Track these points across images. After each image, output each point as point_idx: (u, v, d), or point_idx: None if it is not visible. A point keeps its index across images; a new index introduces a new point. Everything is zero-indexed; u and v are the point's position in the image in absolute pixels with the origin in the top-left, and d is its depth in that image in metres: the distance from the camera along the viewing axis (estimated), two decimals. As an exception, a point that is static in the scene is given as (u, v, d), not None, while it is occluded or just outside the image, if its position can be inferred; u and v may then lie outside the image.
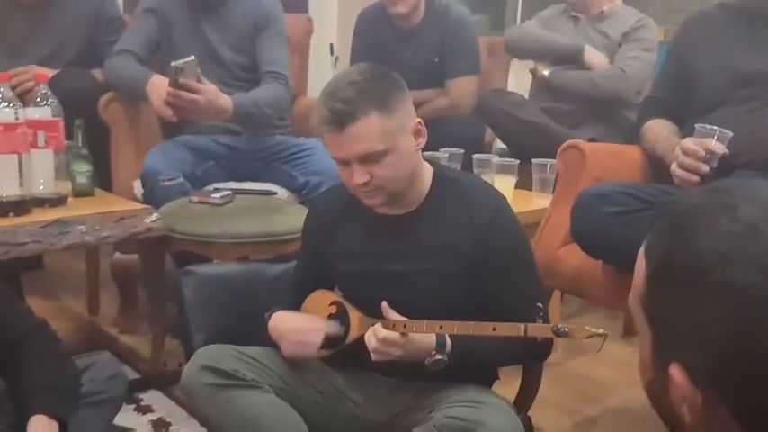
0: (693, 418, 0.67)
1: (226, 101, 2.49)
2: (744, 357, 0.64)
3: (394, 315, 1.52)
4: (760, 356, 0.63)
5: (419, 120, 1.56)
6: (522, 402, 1.89)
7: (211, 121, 2.57)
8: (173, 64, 2.37)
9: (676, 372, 0.66)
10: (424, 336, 1.50)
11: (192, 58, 2.42)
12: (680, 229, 0.69)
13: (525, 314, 1.47)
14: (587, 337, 1.34)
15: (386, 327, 1.50)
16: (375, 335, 1.50)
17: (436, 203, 1.61)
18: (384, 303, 1.52)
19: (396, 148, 1.50)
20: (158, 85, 2.48)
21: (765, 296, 0.63)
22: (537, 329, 1.43)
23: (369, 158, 1.49)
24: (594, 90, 2.97)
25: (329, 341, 1.63)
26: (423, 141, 1.57)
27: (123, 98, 2.69)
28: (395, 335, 1.49)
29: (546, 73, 3.04)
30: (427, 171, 1.63)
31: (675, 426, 0.72)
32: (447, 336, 1.51)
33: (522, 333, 1.41)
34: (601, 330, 1.34)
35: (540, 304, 1.56)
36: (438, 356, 1.49)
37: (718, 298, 0.64)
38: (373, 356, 1.52)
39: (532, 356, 1.68)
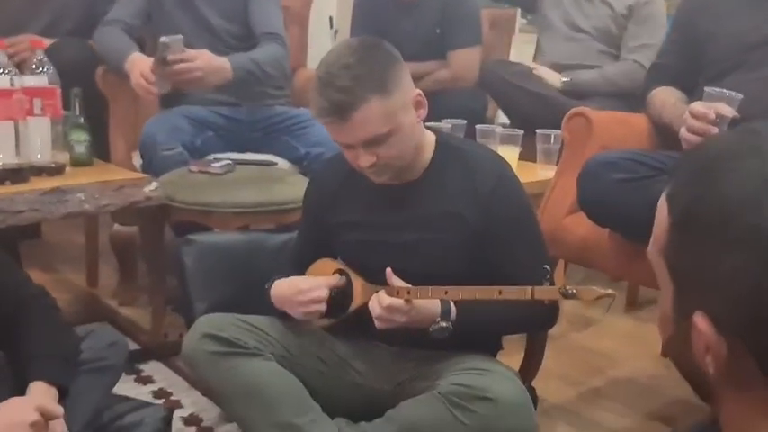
0: (717, 370, 0.64)
1: (222, 60, 2.44)
2: None
3: (398, 282, 1.50)
4: None
5: (419, 91, 1.53)
6: (526, 373, 1.88)
7: (214, 86, 2.51)
8: (161, 40, 2.34)
9: (700, 319, 0.64)
10: (429, 302, 1.48)
11: (180, 36, 2.38)
12: (705, 173, 0.65)
13: (530, 282, 1.44)
14: (596, 299, 1.32)
15: (390, 293, 1.49)
16: (379, 302, 1.49)
17: (439, 172, 1.59)
18: (388, 270, 1.50)
19: (399, 128, 1.47)
20: (138, 63, 2.43)
21: None
22: (544, 292, 1.41)
23: (373, 142, 1.47)
24: (613, 88, 2.94)
25: (334, 297, 1.61)
26: (424, 112, 1.55)
27: (110, 70, 2.64)
28: (399, 301, 1.47)
29: (563, 81, 3.00)
30: (429, 139, 1.61)
31: (697, 382, 0.69)
32: (452, 303, 1.49)
33: (528, 296, 1.39)
34: (609, 291, 1.32)
35: (546, 266, 1.54)
36: (442, 323, 1.48)
37: (743, 245, 0.61)
38: (377, 324, 1.50)
39: (538, 323, 1.67)
